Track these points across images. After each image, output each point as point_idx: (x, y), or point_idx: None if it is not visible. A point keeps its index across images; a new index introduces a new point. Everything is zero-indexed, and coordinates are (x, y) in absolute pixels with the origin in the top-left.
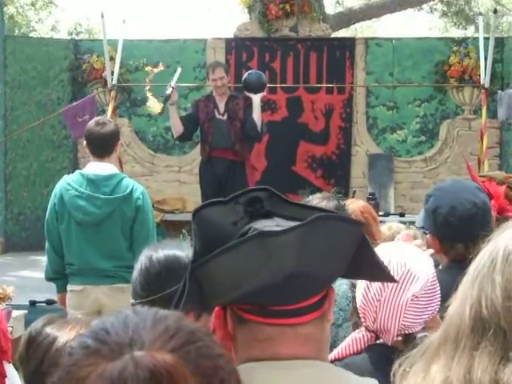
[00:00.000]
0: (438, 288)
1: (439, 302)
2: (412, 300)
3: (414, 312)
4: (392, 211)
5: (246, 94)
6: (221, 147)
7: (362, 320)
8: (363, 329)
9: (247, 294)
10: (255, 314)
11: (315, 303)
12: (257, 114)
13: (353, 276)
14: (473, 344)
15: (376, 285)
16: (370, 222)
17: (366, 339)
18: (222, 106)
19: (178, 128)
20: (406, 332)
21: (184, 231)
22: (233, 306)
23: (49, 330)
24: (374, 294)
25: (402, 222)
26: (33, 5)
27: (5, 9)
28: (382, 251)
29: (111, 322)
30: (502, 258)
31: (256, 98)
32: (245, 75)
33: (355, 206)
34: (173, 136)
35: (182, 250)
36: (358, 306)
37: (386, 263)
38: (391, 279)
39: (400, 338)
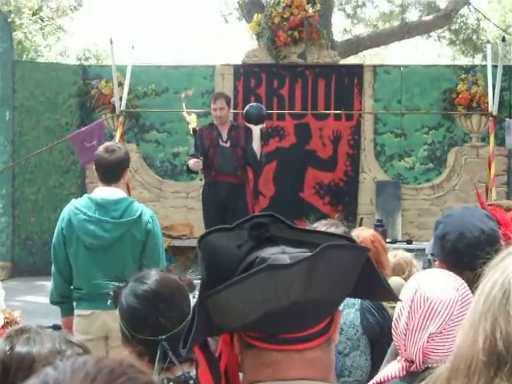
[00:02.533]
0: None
1: None
2: (431, 338)
3: (437, 347)
4: (399, 238)
5: (247, 124)
6: (224, 172)
7: (397, 348)
8: (402, 359)
9: (255, 322)
10: (262, 340)
11: (322, 328)
12: (256, 145)
13: (357, 295)
14: (487, 379)
15: (404, 318)
16: (379, 251)
17: (402, 367)
18: (224, 135)
19: (198, 166)
20: (435, 364)
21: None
22: (240, 332)
23: (19, 348)
24: (402, 328)
25: (409, 250)
26: (41, 30)
27: (13, 34)
28: (412, 282)
29: None
30: None
31: (256, 130)
32: (246, 107)
33: (366, 234)
34: (188, 170)
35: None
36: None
37: (411, 295)
38: (395, 298)
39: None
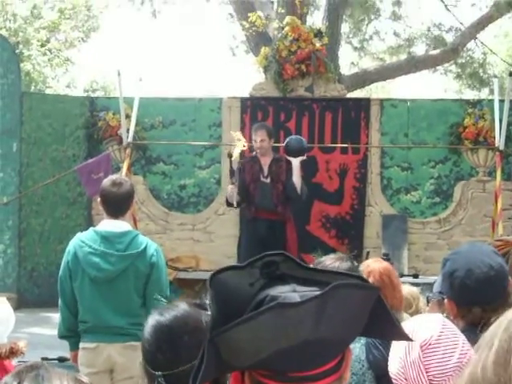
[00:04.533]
0: (458, 338)
1: (467, 351)
2: (422, 349)
3: (429, 355)
4: (406, 272)
5: (287, 157)
6: (264, 208)
7: None
8: None
9: (265, 360)
10: (272, 378)
11: (333, 367)
12: (296, 177)
13: (368, 334)
14: None
15: (396, 358)
16: (386, 285)
17: None
18: (266, 169)
19: (234, 198)
20: None
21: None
22: (251, 370)
23: None
24: (398, 365)
25: (415, 284)
26: (49, 61)
27: (22, 65)
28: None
29: None
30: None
31: (295, 162)
32: (287, 140)
33: (376, 265)
34: (228, 204)
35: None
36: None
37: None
38: (406, 338)
39: None
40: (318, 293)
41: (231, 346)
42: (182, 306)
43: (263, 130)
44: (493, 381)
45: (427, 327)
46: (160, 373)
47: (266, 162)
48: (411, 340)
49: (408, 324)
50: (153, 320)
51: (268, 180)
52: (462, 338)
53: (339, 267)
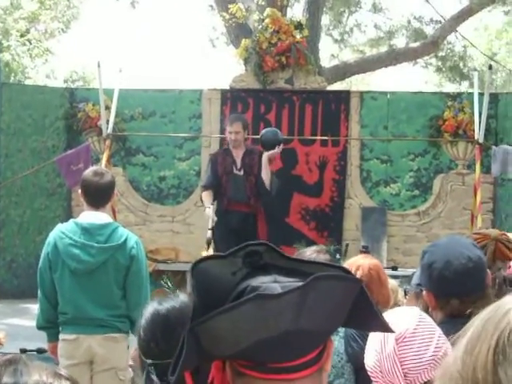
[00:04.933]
0: (434, 331)
1: (442, 344)
2: (397, 342)
3: (405, 348)
4: (385, 265)
5: (261, 150)
6: (237, 201)
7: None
8: None
9: (245, 350)
10: (252, 369)
11: (313, 358)
12: (265, 172)
13: (350, 326)
14: None
15: (372, 350)
16: (373, 280)
17: None
18: (238, 162)
19: (211, 220)
20: (423, 379)
21: (165, 278)
22: (231, 360)
23: (6, 380)
24: (373, 357)
25: (394, 276)
26: (29, 52)
27: (1, 56)
28: None
29: None
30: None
31: (264, 157)
32: (262, 132)
33: (366, 261)
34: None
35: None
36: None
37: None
38: (388, 329)
39: None
40: (299, 284)
41: (211, 336)
42: (181, 297)
43: (239, 122)
44: (459, 367)
45: (403, 320)
46: (150, 361)
47: (238, 154)
48: (393, 332)
49: (385, 317)
50: (151, 308)
51: (241, 172)
52: (438, 331)
53: (316, 259)
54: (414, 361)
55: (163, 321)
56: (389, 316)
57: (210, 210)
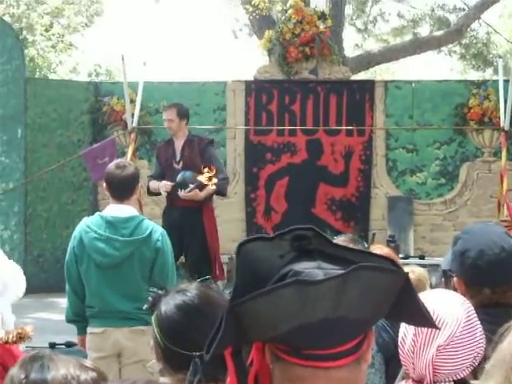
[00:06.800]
0: (477, 331)
1: (481, 345)
2: (439, 351)
3: (446, 360)
4: (412, 254)
5: (202, 137)
6: (178, 196)
7: (406, 371)
8: (409, 380)
9: (283, 335)
10: (289, 354)
11: (351, 348)
12: (201, 197)
13: (394, 319)
14: None
15: (410, 336)
16: None
17: None
18: (178, 153)
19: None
20: (454, 378)
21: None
22: (270, 343)
23: (34, 376)
24: (409, 346)
25: (421, 265)
26: (53, 47)
27: (26, 51)
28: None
29: None
30: None
31: (182, 195)
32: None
33: (379, 251)
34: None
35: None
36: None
37: None
38: (433, 325)
39: None
40: (340, 272)
41: (250, 317)
42: (193, 285)
43: (172, 108)
44: None
45: (449, 321)
46: (197, 353)
47: (178, 145)
48: (438, 328)
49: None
50: (178, 300)
51: (180, 166)
52: (479, 330)
53: None
54: (450, 367)
55: (198, 310)
56: (434, 306)
57: (163, 184)
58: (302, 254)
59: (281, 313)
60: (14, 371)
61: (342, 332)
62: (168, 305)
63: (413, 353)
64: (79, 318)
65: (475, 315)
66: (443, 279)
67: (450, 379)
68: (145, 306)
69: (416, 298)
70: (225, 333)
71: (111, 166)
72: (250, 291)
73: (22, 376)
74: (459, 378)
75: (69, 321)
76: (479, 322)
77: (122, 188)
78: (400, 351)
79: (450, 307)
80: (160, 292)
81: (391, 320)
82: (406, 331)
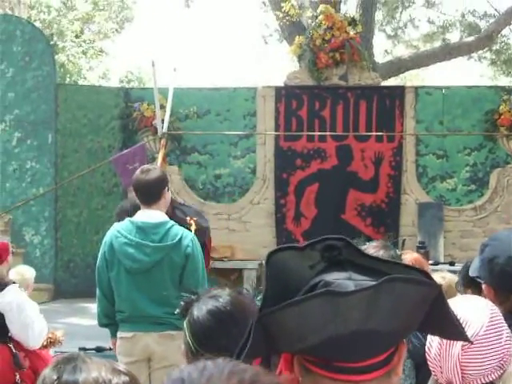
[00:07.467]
0: (502, 333)
1: (508, 347)
2: (464, 350)
3: (471, 359)
4: (442, 260)
5: None
6: None
7: (434, 377)
8: None
9: (312, 347)
10: (319, 366)
11: (383, 360)
12: None
13: (426, 331)
14: None
15: (436, 341)
16: None
17: None
18: None
19: None
20: (483, 381)
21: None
22: (298, 354)
23: (66, 377)
24: (436, 350)
25: (452, 271)
26: (84, 53)
27: (56, 57)
28: None
29: (188, 372)
30: None
31: None
32: None
33: (408, 256)
34: None
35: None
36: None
37: None
38: (466, 338)
39: None
40: (371, 283)
41: (279, 328)
42: (226, 291)
43: None
44: None
45: (473, 321)
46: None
47: None
48: (471, 342)
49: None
50: (211, 306)
51: None
52: (505, 332)
53: (382, 256)
54: (476, 367)
55: (231, 316)
56: (459, 309)
57: None
58: (333, 265)
59: (310, 324)
60: (47, 372)
61: (373, 344)
62: (200, 310)
63: (439, 355)
64: (111, 321)
65: (501, 317)
66: (462, 287)
67: (479, 382)
68: (176, 311)
69: (449, 310)
70: (254, 343)
71: (137, 171)
72: (280, 301)
73: (55, 377)
74: (488, 381)
75: (102, 325)
76: (506, 326)
77: (148, 192)
78: (427, 356)
79: (474, 308)
80: (192, 297)
81: (423, 332)
82: (431, 336)
